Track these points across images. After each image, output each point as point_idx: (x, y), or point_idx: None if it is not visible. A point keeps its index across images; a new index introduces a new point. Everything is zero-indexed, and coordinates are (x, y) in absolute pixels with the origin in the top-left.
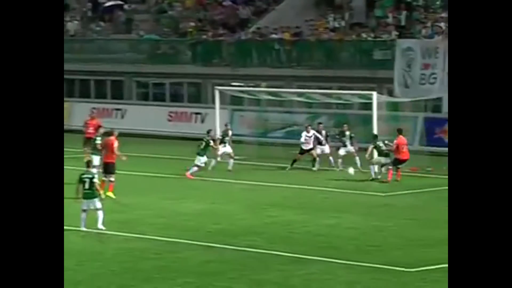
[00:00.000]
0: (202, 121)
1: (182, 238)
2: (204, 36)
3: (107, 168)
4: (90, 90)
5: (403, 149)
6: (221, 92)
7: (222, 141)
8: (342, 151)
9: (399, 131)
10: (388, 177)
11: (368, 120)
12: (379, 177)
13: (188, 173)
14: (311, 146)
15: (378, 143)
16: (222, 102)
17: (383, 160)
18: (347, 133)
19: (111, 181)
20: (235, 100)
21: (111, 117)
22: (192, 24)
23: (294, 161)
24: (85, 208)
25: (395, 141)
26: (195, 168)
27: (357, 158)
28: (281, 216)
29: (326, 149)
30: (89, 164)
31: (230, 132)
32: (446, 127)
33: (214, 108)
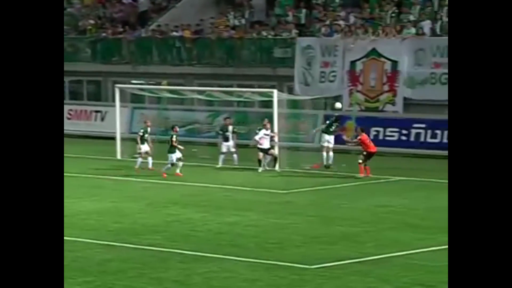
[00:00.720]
0: (102, 119)
1: (82, 237)
2: (104, 34)
3: None
4: None
5: (370, 143)
6: (121, 90)
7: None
8: (224, 148)
9: (362, 130)
10: (360, 173)
11: (268, 117)
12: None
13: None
14: (268, 145)
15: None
16: (122, 100)
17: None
18: (230, 128)
19: None
20: (136, 98)
21: None
22: (92, 21)
23: (259, 161)
24: None
25: (358, 137)
26: (169, 166)
27: (235, 155)
28: (182, 215)
29: (231, 145)
30: None
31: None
32: (345, 124)
33: (114, 106)
